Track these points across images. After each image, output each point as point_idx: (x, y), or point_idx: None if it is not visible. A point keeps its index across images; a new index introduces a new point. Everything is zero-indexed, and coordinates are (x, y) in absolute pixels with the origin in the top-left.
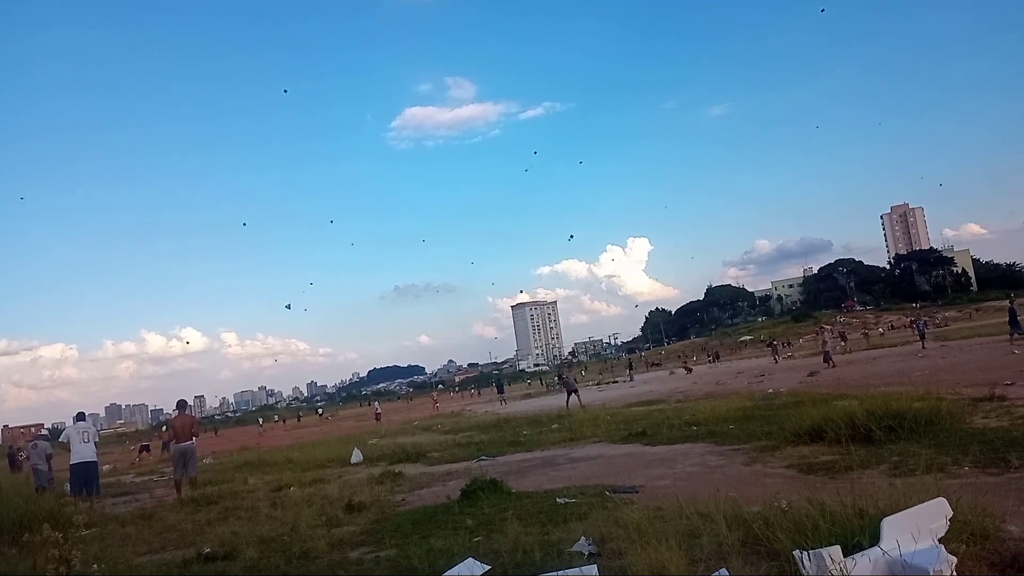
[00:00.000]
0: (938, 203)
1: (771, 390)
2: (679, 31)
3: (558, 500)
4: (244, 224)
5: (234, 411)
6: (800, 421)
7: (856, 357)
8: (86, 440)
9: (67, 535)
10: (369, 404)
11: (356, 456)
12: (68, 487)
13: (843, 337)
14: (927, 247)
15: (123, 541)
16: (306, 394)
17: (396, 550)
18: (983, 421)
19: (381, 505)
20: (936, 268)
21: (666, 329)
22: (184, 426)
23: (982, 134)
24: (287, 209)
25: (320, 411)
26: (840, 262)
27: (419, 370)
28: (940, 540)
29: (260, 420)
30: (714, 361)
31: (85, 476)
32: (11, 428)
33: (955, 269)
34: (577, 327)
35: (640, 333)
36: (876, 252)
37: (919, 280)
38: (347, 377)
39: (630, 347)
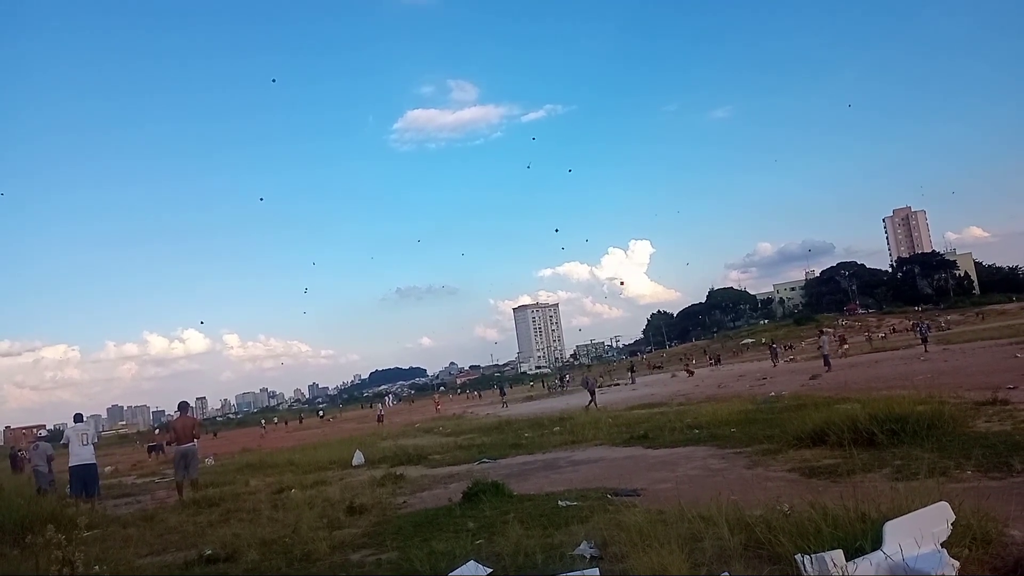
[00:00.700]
0: (940, 206)
1: (773, 393)
2: (681, 34)
3: (560, 503)
4: (261, 199)
5: (236, 413)
6: (802, 424)
7: (858, 360)
8: (85, 442)
9: (70, 537)
10: (371, 406)
11: (358, 458)
12: (69, 489)
13: (842, 340)
14: (929, 250)
15: (125, 543)
16: (308, 396)
17: (398, 553)
18: (986, 425)
19: (383, 507)
20: (938, 271)
21: (668, 332)
22: (186, 428)
23: (985, 137)
24: (289, 210)
25: (322, 413)
26: (842, 265)
27: (421, 372)
28: (942, 544)
29: (263, 422)
30: (715, 364)
31: (84, 478)
32: (13, 429)
33: (957, 272)
34: (578, 329)
35: (642, 336)
36: (878, 255)
37: (921, 283)
38: (349, 379)
39: (632, 350)
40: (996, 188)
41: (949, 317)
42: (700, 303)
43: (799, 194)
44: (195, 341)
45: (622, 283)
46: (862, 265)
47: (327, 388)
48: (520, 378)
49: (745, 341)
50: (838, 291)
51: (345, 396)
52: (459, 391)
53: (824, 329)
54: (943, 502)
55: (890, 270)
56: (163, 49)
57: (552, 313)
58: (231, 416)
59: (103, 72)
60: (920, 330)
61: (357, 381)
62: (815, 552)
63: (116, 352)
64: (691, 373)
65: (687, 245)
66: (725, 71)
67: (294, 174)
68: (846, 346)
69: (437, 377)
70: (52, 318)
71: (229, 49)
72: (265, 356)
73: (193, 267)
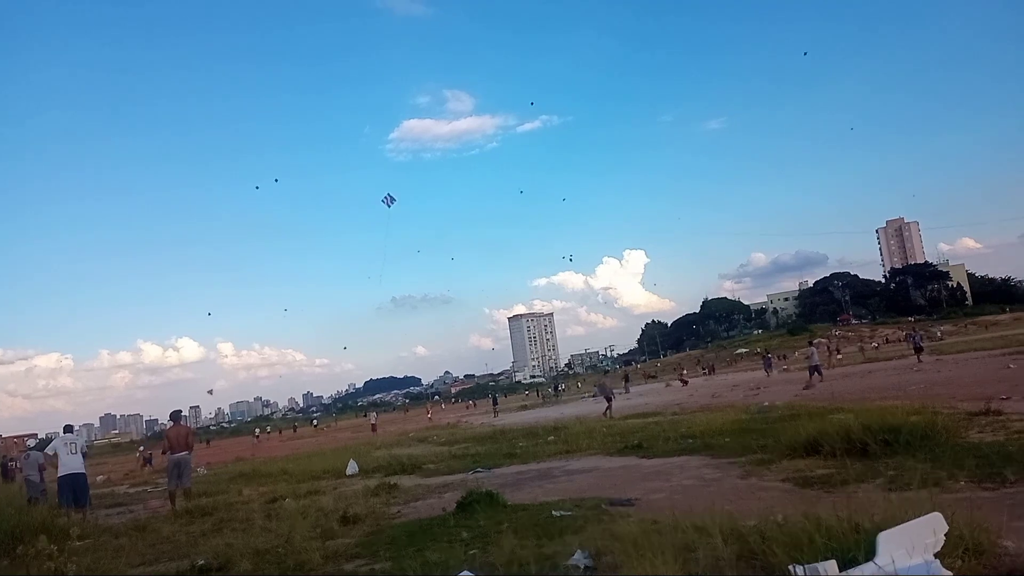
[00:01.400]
0: (933, 217)
1: (767, 403)
2: (676, 45)
3: (554, 513)
4: (276, 180)
5: (229, 422)
6: (796, 434)
7: (851, 370)
8: (73, 452)
9: (61, 547)
10: (365, 415)
11: (352, 468)
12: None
13: (833, 351)
14: (922, 261)
15: (117, 553)
16: (302, 405)
17: (391, 563)
18: (979, 435)
19: (376, 517)
20: (931, 282)
21: (662, 341)
22: (179, 437)
23: (977, 148)
24: (285, 219)
25: (315, 422)
26: (836, 275)
27: (415, 381)
28: (936, 555)
29: (256, 431)
30: (709, 374)
31: (73, 488)
32: (4, 438)
33: (950, 283)
34: (574, 339)
35: (636, 345)
36: (871, 266)
37: (914, 294)
38: (343, 388)
39: (626, 359)
40: (988, 199)
41: (942, 328)
42: (694, 313)
43: (792, 205)
44: (189, 349)
45: (606, 289)
46: (855, 276)
47: (321, 397)
48: (515, 387)
49: (739, 351)
50: (831, 301)
51: (339, 405)
52: (453, 400)
53: (812, 340)
54: (936, 513)
55: (883, 281)
56: (157, 58)
57: (547, 322)
58: (225, 425)
59: (99, 80)
60: (913, 340)
61: (351, 390)
62: (809, 563)
63: (110, 360)
64: (685, 383)
65: (681, 255)
66: (720, 82)
67: (290, 183)
68: (839, 356)
69: (432, 386)
70: (46, 326)
71: (224, 58)
72: (260, 365)
73: (188, 275)
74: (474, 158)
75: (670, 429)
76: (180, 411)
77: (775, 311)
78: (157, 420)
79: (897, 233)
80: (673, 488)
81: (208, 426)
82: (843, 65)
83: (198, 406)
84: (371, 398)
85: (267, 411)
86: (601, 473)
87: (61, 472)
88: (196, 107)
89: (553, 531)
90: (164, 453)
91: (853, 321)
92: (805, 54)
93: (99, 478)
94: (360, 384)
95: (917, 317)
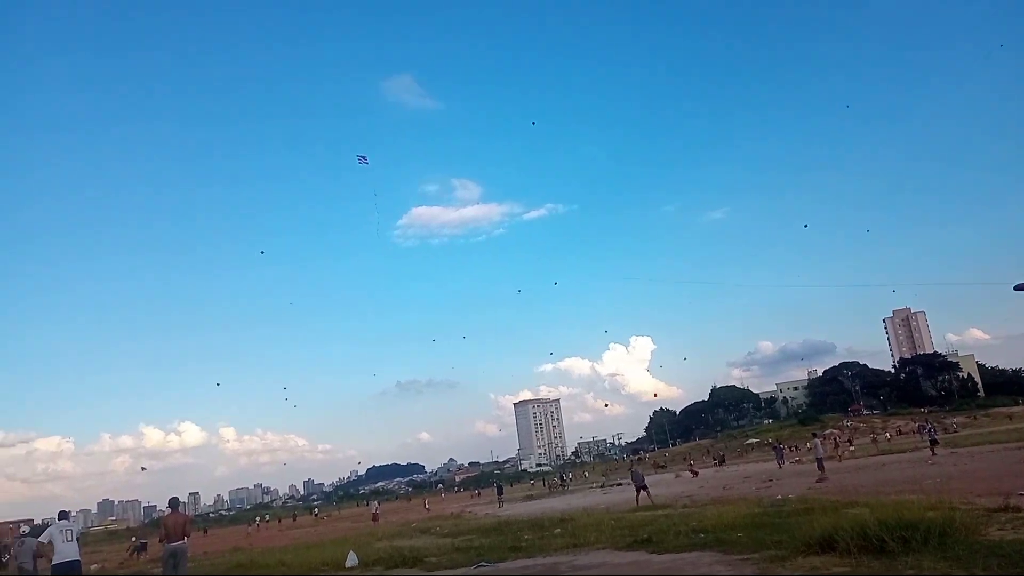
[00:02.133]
0: (940, 308)
1: (779, 496)
2: (678, 137)
3: None
4: (262, 252)
5: (228, 509)
6: (810, 530)
7: (865, 463)
8: (69, 539)
9: None
10: (367, 504)
11: (351, 560)
12: None
13: (840, 443)
14: (931, 351)
15: None
16: (302, 492)
17: None
18: (999, 533)
19: None
20: (942, 373)
21: (670, 430)
22: (176, 525)
23: (981, 240)
24: (290, 303)
25: (316, 511)
26: (845, 365)
27: (419, 468)
28: None
29: (256, 519)
30: (720, 464)
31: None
32: None
33: (961, 374)
34: (580, 426)
35: (644, 433)
36: (880, 355)
37: (925, 385)
38: (345, 475)
39: (634, 448)
40: (995, 291)
41: (955, 419)
42: (703, 401)
43: (798, 294)
44: (191, 434)
45: (613, 375)
46: (865, 365)
47: (322, 484)
48: (520, 475)
49: (749, 441)
50: (841, 391)
51: (340, 493)
52: (457, 489)
53: (815, 433)
54: None
55: (893, 371)
56: (165, 141)
57: (553, 409)
58: (224, 512)
59: (103, 168)
60: (928, 433)
61: (353, 477)
62: None
63: (111, 444)
64: (695, 473)
65: (688, 342)
66: (721, 173)
67: (297, 267)
68: (852, 447)
69: (435, 474)
70: (49, 408)
71: (235, 147)
72: (261, 450)
73: (192, 359)
74: (481, 244)
75: (681, 523)
76: (178, 498)
77: (785, 400)
78: (155, 507)
79: (904, 323)
80: None
81: (207, 514)
82: (846, 155)
83: (197, 492)
84: (373, 486)
85: (267, 498)
86: (609, 569)
87: (56, 560)
88: (203, 192)
89: None
90: (160, 542)
91: (864, 411)
92: (848, 106)
93: (93, 567)
94: (362, 471)
95: (929, 408)
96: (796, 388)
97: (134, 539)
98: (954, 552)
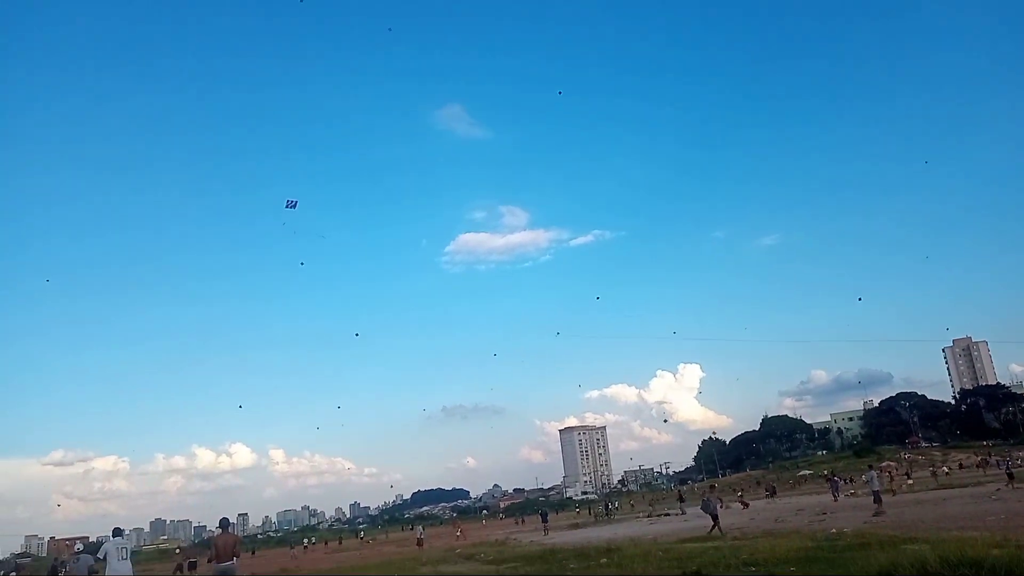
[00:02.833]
0: (1003, 337)
1: (834, 530)
2: (727, 161)
3: None
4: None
5: (276, 530)
6: (867, 565)
7: (924, 497)
8: (124, 557)
9: None
10: (412, 528)
11: None
12: None
13: (892, 476)
14: (993, 382)
15: None
16: (348, 515)
17: None
18: None
19: None
20: (1005, 405)
21: (720, 460)
22: (227, 545)
23: None
24: (339, 327)
25: (361, 534)
26: (902, 395)
27: (463, 494)
28: None
29: (304, 541)
30: (771, 496)
31: None
32: (57, 540)
33: None
34: (626, 454)
35: (693, 463)
36: (939, 386)
37: (988, 417)
38: (390, 499)
39: (682, 478)
40: None
41: (1021, 454)
42: (754, 430)
43: (854, 321)
44: (241, 455)
45: (660, 403)
46: (923, 396)
47: (368, 508)
48: (565, 503)
49: (802, 472)
50: (899, 422)
51: (386, 517)
52: (501, 516)
53: (871, 465)
54: None
55: (953, 402)
56: (226, 171)
57: (599, 436)
58: (272, 534)
59: (167, 197)
60: (1005, 466)
61: (399, 501)
62: None
63: (164, 464)
64: (746, 505)
65: (738, 370)
66: (772, 197)
67: (346, 291)
68: (909, 481)
69: (480, 499)
70: (106, 430)
71: (289, 175)
72: (309, 473)
73: (243, 381)
74: (527, 270)
75: (731, 555)
76: (227, 519)
77: (839, 431)
78: (205, 527)
79: (965, 352)
80: None
81: (255, 535)
82: (903, 178)
83: (246, 513)
84: (418, 510)
85: (313, 520)
86: None
87: None
88: (260, 220)
89: None
90: (210, 562)
91: (923, 444)
92: (927, 163)
93: None
94: (408, 495)
95: (992, 441)
96: (851, 419)
97: (178, 550)
98: None
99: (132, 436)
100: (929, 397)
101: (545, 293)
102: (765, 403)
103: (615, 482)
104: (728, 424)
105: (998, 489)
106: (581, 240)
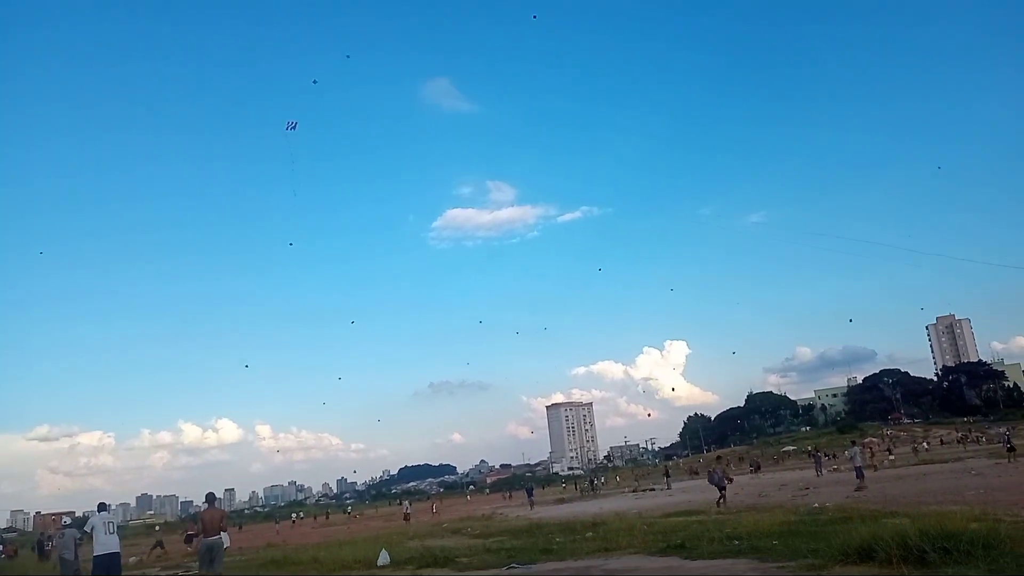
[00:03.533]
0: (985, 315)
1: (817, 504)
2: (716, 139)
3: None
4: (291, 244)
5: (263, 506)
6: (849, 539)
7: (905, 472)
8: (111, 531)
9: None
10: (399, 503)
11: (383, 558)
12: None
13: (873, 451)
14: (975, 359)
15: None
16: (335, 491)
17: None
18: None
19: None
20: (986, 382)
21: (705, 435)
22: (213, 520)
23: None
24: (327, 304)
25: (349, 509)
26: (885, 372)
27: (450, 469)
28: None
29: (292, 516)
30: (755, 471)
31: (108, 567)
32: (43, 515)
33: (1007, 383)
34: (613, 430)
35: (678, 439)
36: (922, 363)
37: (969, 394)
38: (377, 474)
39: (667, 453)
40: None
41: (1000, 430)
42: (739, 407)
43: (838, 299)
44: (228, 431)
45: (647, 379)
46: (906, 373)
47: (355, 483)
48: (552, 479)
49: (786, 448)
50: (882, 399)
51: (373, 492)
52: (487, 491)
53: (854, 441)
54: None
55: (935, 379)
56: (207, 147)
57: (586, 412)
58: (258, 509)
59: (135, 169)
60: (1005, 440)
61: (386, 477)
62: None
63: (150, 440)
64: (730, 480)
65: (724, 347)
66: (761, 175)
67: (333, 268)
68: (891, 456)
69: (467, 475)
70: (92, 405)
71: (274, 150)
72: (296, 448)
73: (230, 357)
74: (515, 246)
75: (715, 529)
76: (213, 494)
77: (823, 407)
78: (192, 502)
79: (948, 330)
80: None
81: (242, 510)
82: (891, 157)
83: (233, 489)
84: (405, 486)
85: (301, 496)
86: (642, 573)
87: (97, 551)
88: (244, 195)
89: None
90: (197, 536)
91: (905, 420)
92: (939, 167)
93: (131, 559)
94: (395, 471)
95: (973, 418)
96: (835, 395)
97: (158, 528)
98: (998, 565)
99: (118, 411)
100: (912, 374)
101: (533, 270)
102: (750, 379)
103: (601, 458)
104: (714, 400)
105: (1011, 461)
106: (569, 216)
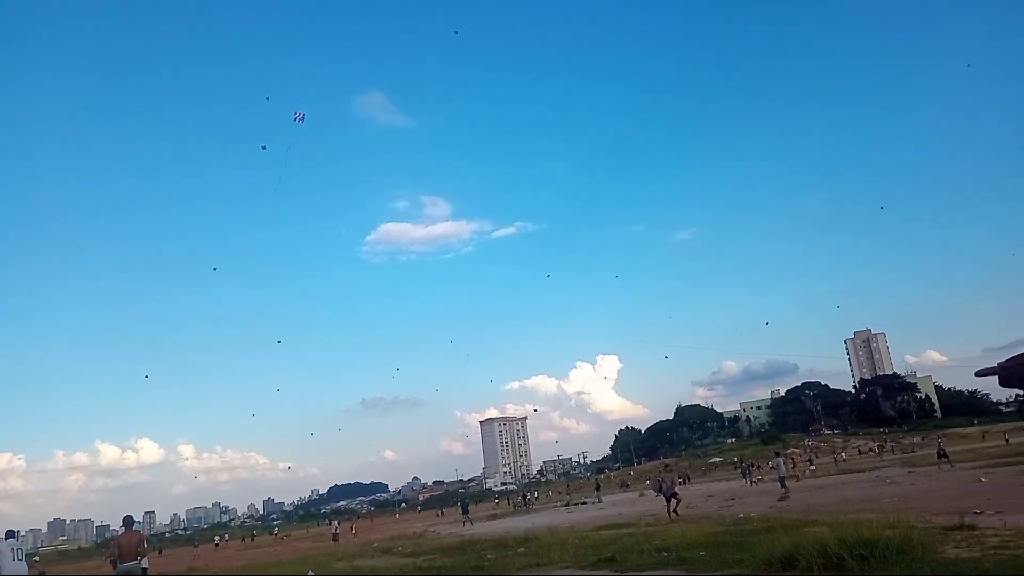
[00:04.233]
0: (899, 329)
1: (742, 515)
2: (647, 157)
3: None
4: (215, 269)
5: (185, 528)
6: (772, 548)
7: (825, 481)
8: (19, 558)
9: None
10: (328, 523)
11: None
12: None
13: (795, 462)
14: (890, 372)
15: None
16: (262, 512)
17: None
18: (955, 551)
19: None
20: (900, 393)
21: (636, 448)
22: (130, 544)
23: (942, 264)
24: (256, 319)
25: (276, 531)
26: (807, 385)
27: (382, 487)
28: None
29: (215, 539)
30: (684, 483)
31: None
32: None
33: (919, 395)
34: (546, 445)
35: (610, 452)
36: (841, 376)
37: (884, 405)
38: (306, 494)
39: (599, 466)
40: (952, 313)
41: (913, 440)
42: (668, 420)
43: (761, 314)
44: (148, 451)
45: (580, 393)
46: (826, 386)
47: (283, 504)
48: (485, 494)
49: (713, 460)
50: (803, 411)
51: (301, 512)
52: (419, 508)
53: (778, 452)
54: None
55: (853, 391)
56: (126, 156)
57: (520, 427)
58: (180, 532)
59: (77, 190)
60: (938, 447)
61: (315, 496)
62: None
63: (65, 461)
64: (659, 492)
65: (655, 361)
66: (688, 194)
67: (262, 285)
68: (812, 467)
69: (399, 492)
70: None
71: (206, 162)
72: (220, 468)
73: (152, 374)
74: (449, 262)
75: (644, 541)
76: (132, 517)
77: (748, 419)
78: (108, 526)
79: (865, 344)
80: None
81: (163, 533)
82: (813, 179)
83: (153, 511)
84: (335, 505)
85: (225, 518)
86: None
87: None
88: (167, 211)
89: None
90: (112, 561)
91: (825, 431)
92: (882, 208)
93: None
94: (324, 490)
95: (888, 428)
96: (759, 408)
97: (37, 559)
98: (911, 569)
99: (29, 432)
100: (832, 387)
101: (467, 285)
102: (679, 393)
103: (535, 472)
104: (644, 414)
105: (944, 466)
106: (503, 232)
